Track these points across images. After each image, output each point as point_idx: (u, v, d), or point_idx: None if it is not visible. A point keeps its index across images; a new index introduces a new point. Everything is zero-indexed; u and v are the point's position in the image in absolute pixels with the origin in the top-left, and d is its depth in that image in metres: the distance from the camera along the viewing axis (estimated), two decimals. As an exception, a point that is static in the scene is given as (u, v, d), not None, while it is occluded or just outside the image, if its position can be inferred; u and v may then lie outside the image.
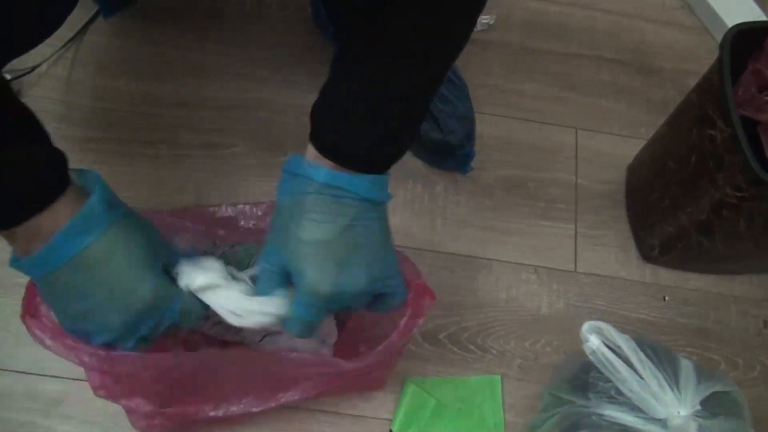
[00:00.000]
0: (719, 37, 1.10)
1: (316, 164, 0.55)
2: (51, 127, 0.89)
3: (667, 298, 0.93)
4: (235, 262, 0.66)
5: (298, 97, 0.97)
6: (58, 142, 0.89)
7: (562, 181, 0.98)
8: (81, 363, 0.57)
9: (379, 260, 0.58)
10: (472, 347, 0.86)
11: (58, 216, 0.51)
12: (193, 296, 0.57)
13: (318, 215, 0.55)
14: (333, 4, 0.93)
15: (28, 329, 0.57)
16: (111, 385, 0.62)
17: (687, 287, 0.94)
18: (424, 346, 0.85)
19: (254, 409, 0.70)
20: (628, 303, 0.92)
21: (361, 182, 0.56)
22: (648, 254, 0.93)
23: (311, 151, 0.57)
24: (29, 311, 0.58)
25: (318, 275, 0.55)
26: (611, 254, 0.94)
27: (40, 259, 0.51)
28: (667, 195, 0.87)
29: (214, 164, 0.92)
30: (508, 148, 0.98)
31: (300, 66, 0.99)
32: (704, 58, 1.10)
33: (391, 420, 0.81)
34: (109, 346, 0.56)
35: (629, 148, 1.00)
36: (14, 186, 0.50)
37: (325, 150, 0.56)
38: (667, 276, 0.94)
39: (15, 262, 0.53)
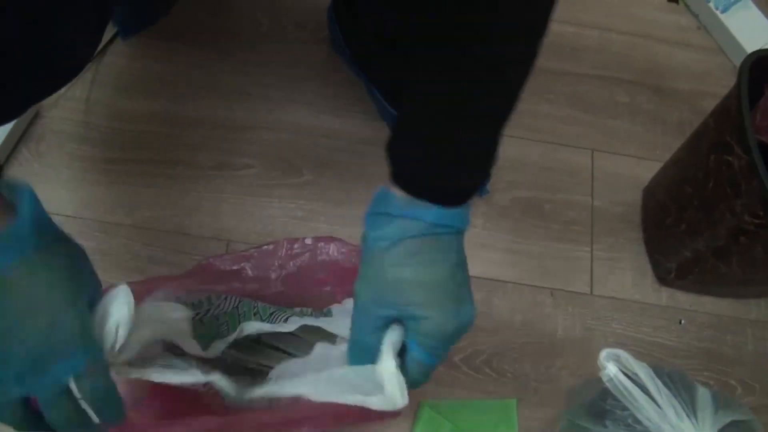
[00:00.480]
0: (735, 58, 1.11)
1: (423, 204, 0.55)
2: (70, 147, 0.92)
3: (683, 321, 0.92)
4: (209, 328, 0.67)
5: (314, 118, 0.98)
6: (77, 162, 0.91)
7: (578, 203, 0.98)
8: None
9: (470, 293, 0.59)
10: (487, 370, 0.86)
11: None
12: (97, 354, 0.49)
13: (428, 256, 0.55)
14: (348, 28, 0.94)
15: None
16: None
17: (703, 311, 0.93)
18: (439, 369, 0.84)
19: None
20: (644, 327, 0.91)
21: (460, 216, 0.56)
22: (664, 277, 0.92)
23: (399, 193, 0.56)
24: None
25: (443, 317, 0.55)
26: (627, 277, 0.94)
27: None
28: (683, 219, 0.86)
29: (230, 185, 0.93)
30: (523, 169, 0.98)
31: (316, 87, 1.00)
32: (720, 79, 1.10)
33: (406, 443, 0.81)
34: None
35: (645, 170, 0.99)
36: None
37: (419, 190, 0.55)
38: (683, 299, 0.93)
39: None
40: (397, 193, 0.57)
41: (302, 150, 0.96)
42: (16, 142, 0.91)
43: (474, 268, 0.89)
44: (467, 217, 0.58)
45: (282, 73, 1.00)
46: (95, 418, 0.49)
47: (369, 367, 0.58)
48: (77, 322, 0.48)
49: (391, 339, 0.58)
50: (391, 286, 0.56)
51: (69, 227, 0.86)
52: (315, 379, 0.59)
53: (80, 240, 0.79)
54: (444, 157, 0.57)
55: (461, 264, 0.58)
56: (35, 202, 0.48)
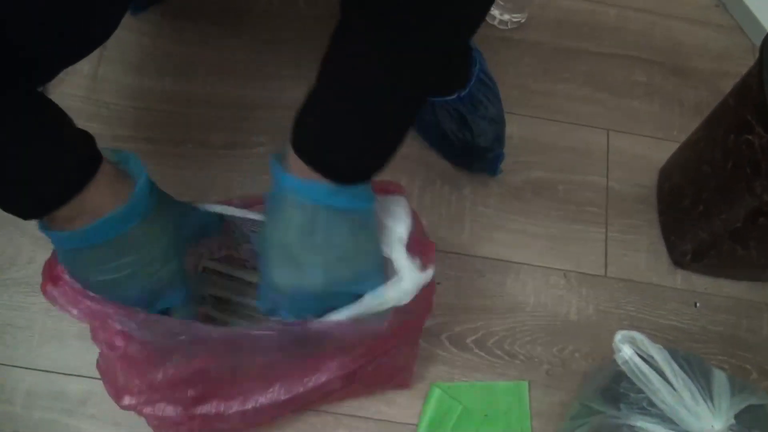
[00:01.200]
0: (754, 36, 1.08)
1: (313, 183, 0.55)
2: (78, 124, 0.91)
3: (698, 304, 0.91)
4: None
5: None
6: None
7: (593, 184, 0.96)
8: (106, 327, 0.59)
9: (344, 263, 0.57)
10: (499, 352, 0.85)
11: (97, 194, 0.53)
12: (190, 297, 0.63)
13: (280, 217, 0.57)
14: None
15: (51, 299, 0.59)
16: (134, 387, 0.63)
17: (719, 294, 0.92)
18: (451, 351, 0.84)
19: (283, 398, 0.69)
20: (659, 309, 0.90)
21: (319, 190, 0.55)
22: (680, 260, 0.91)
23: (292, 157, 0.57)
24: (51, 280, 0.58)
25: (276, 273, 0.58)
26: (642, 259, 0.92)
27: (79, 236, 0.54)
28: (701, 200, 0.85)
29: (240, 163, 0.92)
30: (538, 149, 0.97)
31: (328, 65, 0.99)
32: (739, 58, 1.07)
33: (416, 425, 0.80)
34: None
35: (662, 151, 0.97)
36: (49, 172, 0.52)
37: (312, 163, 0.55)
38: (698, 282, 0.92)
39: (47, 231, 0.55)
40: (291, 158, 0.57)
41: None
42: (26, 119, 0.90)
43: (486, 250, 0.90)
44: (346, 197, 0.56)
45: (293, 51, 0.99)
46: None
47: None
48: (180, 270, 0.61)
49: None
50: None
51: None
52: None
53: None
54: (350, 132, 0.55)
55: (321, 236, 0.57)
56: (144, 169, 0.57)
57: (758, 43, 1.06)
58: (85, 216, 0.54)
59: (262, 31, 1.00)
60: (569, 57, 1.04)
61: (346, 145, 0.55)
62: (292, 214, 0.56)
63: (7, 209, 0.53)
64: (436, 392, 0.81)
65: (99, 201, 0.54)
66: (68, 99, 0.92)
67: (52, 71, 0.58)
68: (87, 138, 0.56)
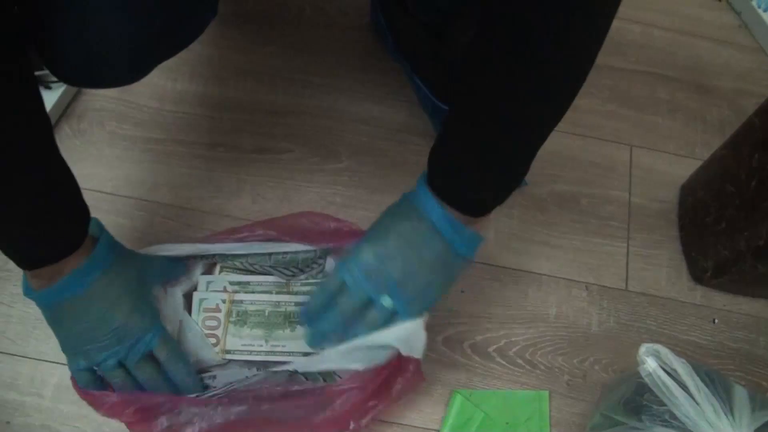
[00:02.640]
0: (777, 57, 1.10)
1: (446, 219, 0.64)
2: (111, 126, 0.93)
3: (716, 321, 0.92)
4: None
5: (354, 104, 0.98)
6: (118, 140, 0.92)
7: (615, 199, 0.97)
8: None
9: (410, 282, 0.65)
10: (520, 362, 0.86)
11: (75, 259, 0.63)
12: (165, 332, 0.70)
13: (407, 220, 0.66)
14: (394, 14, 0.94)
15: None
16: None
17: (738, 311, 0.93)
18: (474, 359, 0.86)
19: None
20: (678, 324, 0.91)
21: (470, 245, 0.66)
22: (700, 276, 0.92)
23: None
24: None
25: (366, 250, 0.65)
26: (663, 274, 0.94)
27: (52, 293, 0.63)
28: (723, 218, 0.86)
29: (269, 168, 0.93)
30: (562, 163, 0.98)
31: (357, 73, 1.01)
32: (761, 78, 1.09)
33: (437, 431, 0.82)
34: (95, 365, 0.67)
35: (684, 168, 0.99)
36: (53, 238, 0.62)
37: (440, 195, 0.64)
38: (718, 299, 0.93)
39: (29, 293, 0.65)
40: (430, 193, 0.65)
41: (342, 136, 0.96)
42: (58, 118, 0.93)
43: (510, 260, 0.92)
44: (472, 245, 0.66)
45: (323, 59, 1.01)
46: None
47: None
48: (150, 310, 0.69)
49: None
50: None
51: (107, 204, 0.88)
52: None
53: (118, 218, 0.83)
54: (479, 171, 0.64)
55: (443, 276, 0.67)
56: (106, 231, 0.67)
57: (782, 64, 1.08)
58: (62, 274, 0.63)
59: (294, 38, 1.02)
60: (595, 72, 1.04)
61: (475, 188, 0.65)
62: (413, 220, 0.65)
63: (7, 255, 0.62)
64: (458, 399, 0.83)
65: (74, 262, 0.63)
66: (102, 100, 0.94)
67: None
68: (86, 214, 0.65)
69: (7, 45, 0.50)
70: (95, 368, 0.67)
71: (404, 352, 0.67)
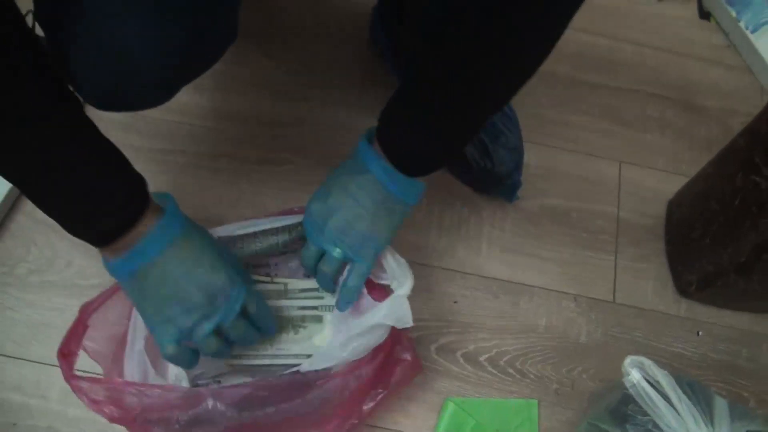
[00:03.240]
0: (762, 77, 1.13)
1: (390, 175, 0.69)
2: (117, 135, 0.94)
3: (701, 333, 0.95)
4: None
5: (354, 118, 1.01)
6: (123, 151, 0.94)
7: (604, 213, 1.01)
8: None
9: (356, 224, 0.70)
10: (511, 371, 0.89)
11: (146, 227, 0.62)
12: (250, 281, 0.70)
13: (346, 171, 0.72)
14: (393, 29, 0.97)
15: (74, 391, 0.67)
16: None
17: (721, 324, 0.96)
18: (466, 368, 0.88)
19: None
20: (663, 336, 0.94)
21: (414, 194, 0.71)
22: (685, 289, 0.95)
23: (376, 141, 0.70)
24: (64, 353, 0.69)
25: (314, 202, 0.73)
26: (649, 287, 0.97)
27: (132, 259, 0.62)
28: (707, 234, 0.89)
29: (270, 179, 0.96)
30: (553, 177, 1.01)
31: (357, 87, 1.04)
32: (747, 98, 1.12)
33: (430, 437, 0.85)
34: (189, 335, 0.65)
35: (672, 184, 1.02)
36: (116, 206, 0.60)
37: (387, 150, 0.69)
38: (702, 312, 0.96)
39: (110, 266, 0.63)
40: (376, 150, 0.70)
41: (341, 149, 0.98)
42: (67, 128, 0.94)
43: (501, 272, 0.95)
44: (415, 195, 0.72)
45: (324, 73, 1.04)
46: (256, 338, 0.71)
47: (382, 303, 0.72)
48: (231, 262, 0.68)
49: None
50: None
51: None
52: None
53: None
54: (424, 131, 0.67)
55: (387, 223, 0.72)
56: (174, 200, 0.66)
57: (766, 83, 1.11)
58: (137, 240, 0.61)
59: (296, 52, 1.05)
60: (586, 90, 1.09)
61: (417, 150, 0.69)
62: (353, 174, 0.70)
63: (79, 237, 0.61)
64: (450, 406, 0.85)
65: (146, 229, 0.62)
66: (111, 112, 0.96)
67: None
68: (141, 180, 0.64)
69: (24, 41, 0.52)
70: (185, 342, 0.65)
71: (397, 326, 0.71)
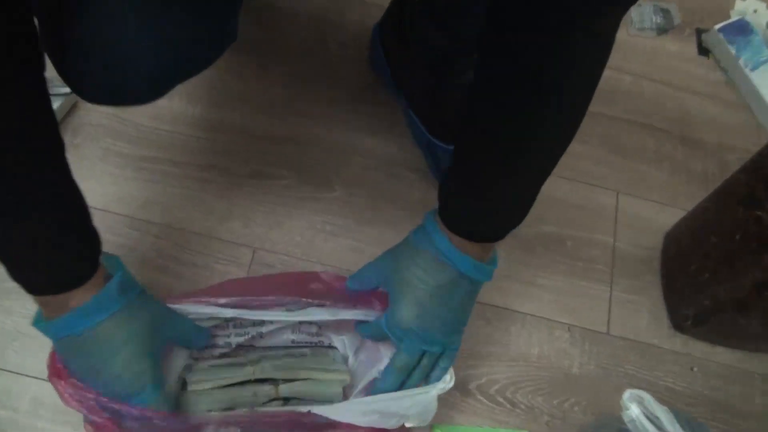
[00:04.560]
0: (760, 115, 1.13)
1: (443, 234, 0.68)
2: (106, 142, 0.92)
3: (695, 368, 0.93)
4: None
5: (350, 135, 0.99)
6: (112, 157, 0.92)
7: (600, 243, 0.99)
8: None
9: (455, 320, 0.72)
10: (501, 400, 0.87)
11: (85, 292, 0.59)
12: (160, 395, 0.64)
13: (427, 268, 0.68)
14: (393, 48, 0.95)
15: (56, 389, 0.63)
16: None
17: (715, 360, 0.94)
18: (454, 395, 0.86)
19: None
20: (656, 370, 0.92)
21: (487, 272, 0.70)
22: (680, 324, 0.94)
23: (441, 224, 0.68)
24: (55, 373, 0.63)
25: (405, 308, 0.69)
26: (644, 320, 0.95)
27: (59, 326, 0.60)
28: (706, 268, 0.88)
29: (262, 194, 0.94)
30: (550, 205, 1.00)
31: (354, 105, 1.02)
32: (745, 134, 1.12)
33: (416, 465, 0.82)
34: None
35: (668, 216, 1.01)
36: (61, 264, 0.58)
37: (449, 226, 0.68)
38: (696, 347, 0.95)
39: (38, 324, 0.61)
40: (442, 231, 0.68)
41: (336, 166, 0.97)
42: (54, 131, 0.92)
43: (495, 298, 0.93)
44: (491, 273, 0.71)
45: (321, 90, 1.02)
46: None
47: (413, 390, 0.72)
48: (150, 368, 0.63)
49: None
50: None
51: (97, 220, 0.85)
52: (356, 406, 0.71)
53: (107, 234, 0.80)
54: (488, 206, 0.67)
55: (452, 296, 0.70)
56: (123, 270, 0.62)
57: (763, 121, 1.11)
58: (68, 308, 0.59)
59: (294, 68, 1.03)
60: (586, 119, 1.07)
61: (491, 220, 0.68)
62: (439, 274, 0.68)
63: (16, 280, 0.58)
64: (438, 434, 0.83)
65: (81, 298, 0.59)
66: (98, 116, 0.94)
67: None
68: (97, 239, 0.61)
69: (23, 55, 0.49)
70: None
71: (415, 423, 0.72)
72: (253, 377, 0.75)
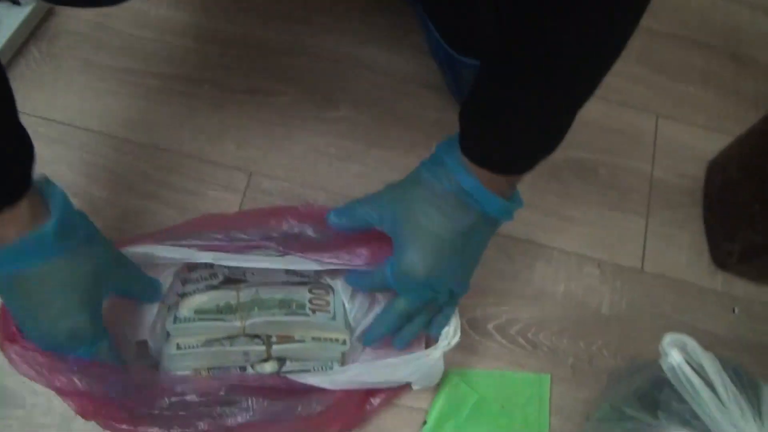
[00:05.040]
0: (819, 31, 1.01)
1: (468, 171, 0.59)
2: (86, 52, 0.83)
3: (737, 310, 0.85)
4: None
5: (358, 48, 0.90)
6: (92, 69, 0.83)
7: (637, 171, 0.89)
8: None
9: (470, 265, 0.65)
10: (521, 341, 0.79)
11: (16, 223, 0.51)
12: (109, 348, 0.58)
13: (446, 211, 0.59)
14: None
15: (8, 358, 0.56)
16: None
17: (760, 301, 0.85)
18: (471, 336, 0.78)
19: None
20: (695, 311, 0.84)
21: (492, 202, 0.59)
22: (724, 261, 0.84)
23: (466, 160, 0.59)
24: (7, 338, 0.57)
25: (419, 259, 0.60)
26: (682, 256, 0.86)
27: None
28: (758, 199, 0.78)
29: (259, 112, 0.85)
30: (581, 128, 0.88)
31: (363, 13, 0.92)
32: (802, 52, 1.01)
33: (427, 410, 0.74)
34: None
35: (713, 142, 0.91)
36: None
37: (473, 159, 0.58)
38: (740, 287, 0.86)
39: None
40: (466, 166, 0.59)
41: (342, 82, 0.87)
42: (26, 39, 0.83)
43: (518, 231, 0.84)
44: (504, 209, 0.61)
45: (327, -2, 0.91)
46: None
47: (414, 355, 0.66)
48: (87, 320, 0.55)
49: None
50: (402, 211, 0.61)
51: (77, 139, 0.80)
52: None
53: (86, 155, 0.70)
54: (520, 131, 0.58)
55: (469, 239, 0.62)
56: (65, 207, 0.53)
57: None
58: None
59: (295, -29, 0.92)
60: (624, 32, 0.97)
61: (522, 148, 0.59)
62: (462, 218, 0.60)
63: None
64: (451, 378, 0.75)
65: (16, 229, 0.51)
66: (78, 23, 0.85)
67: None
68: (27, 141, 0.53)
69: None
70: None
71: (421, 384, 0.69)
72: (243, 333, 0.68)
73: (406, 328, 0.65)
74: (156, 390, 0.58)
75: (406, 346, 0.67)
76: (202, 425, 0.59)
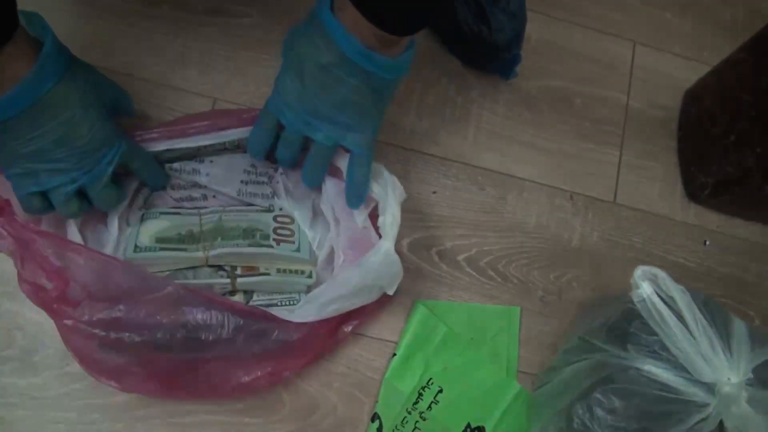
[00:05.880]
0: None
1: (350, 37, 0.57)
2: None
3: (708, 242, 0.84)
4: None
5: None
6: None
7: (612, 100, 0.87)
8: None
9: (343, 111, 0.61)
10: (491, 273, 0.78)
11: (14, 61, 0.52)
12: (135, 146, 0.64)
13: (317, 48, 0.58)
14: None
15: None
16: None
17: (731, 234, 0.85)
18: (440, 267, 0.76)
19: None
20: (666, 244, 0.83)
21: (351, 47, 0.57)
22: (696, 193, 0.83)
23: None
24: None
25: (288, 86, 0.61)
26: (655, 188, 0.85)
27: (4, 104, 0.53)
28: (733, 130, 0.76)
29: (223, 35, 0.80)
30: (557, 55, 0.87)
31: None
32: (783, -22, 0.98)
33: (396, 343, 0.73)
34: (54, 189, 0.59)
35: (690, 72, 0.89)
36: None
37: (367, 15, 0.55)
38: (712, 219, 0.85)
39: None
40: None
41: (307, 2, 0.83)
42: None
43: (489, 161, 0.81)
44: (390, 68, 0.59)
45: None
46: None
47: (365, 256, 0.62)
48: (110, 126, 0.60)
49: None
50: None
51: None
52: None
53: None
54: None
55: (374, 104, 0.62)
56: (52, 31, 0.57)
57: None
58: (5, 83, 0.53)
59: None
60: (602, -45, 0.93)
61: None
62: (323, 52, 0.58)
63: None
64: (421, 310, 0.74)
65: (14, 68, 0.53)
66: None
67: None
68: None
69: None
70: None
71: (391, 290, 0.66)
72: (206, 264, 0.65)
73: (307, 166, 0.65)
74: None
75: (315, 183, 0.67)
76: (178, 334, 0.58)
